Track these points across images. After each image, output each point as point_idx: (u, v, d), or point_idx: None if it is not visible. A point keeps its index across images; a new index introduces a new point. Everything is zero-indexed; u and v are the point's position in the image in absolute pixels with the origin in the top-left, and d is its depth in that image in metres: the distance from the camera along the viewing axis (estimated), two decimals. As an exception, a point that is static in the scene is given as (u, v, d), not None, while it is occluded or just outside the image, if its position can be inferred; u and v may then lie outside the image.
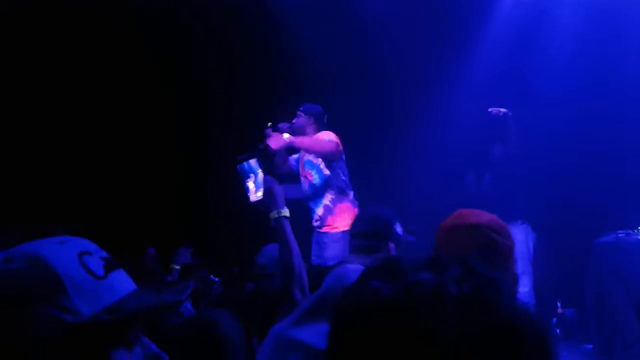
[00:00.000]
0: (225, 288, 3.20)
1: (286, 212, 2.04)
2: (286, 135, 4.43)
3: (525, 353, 0.67)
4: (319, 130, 4.64)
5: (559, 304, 4.95)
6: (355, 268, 2.05)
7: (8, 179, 5.74)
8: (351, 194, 4.50)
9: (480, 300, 0.67)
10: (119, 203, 6.16)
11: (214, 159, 6.00)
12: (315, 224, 4.48)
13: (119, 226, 5.58)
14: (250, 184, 2.16)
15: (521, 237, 5.19)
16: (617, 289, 4.01)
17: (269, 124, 4.54)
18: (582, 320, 4.54)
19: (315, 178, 4.52)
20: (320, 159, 4.52)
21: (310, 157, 4.58)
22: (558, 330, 4.82)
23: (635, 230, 4.15)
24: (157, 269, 3.84)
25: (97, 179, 6.25)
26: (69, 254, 0.99)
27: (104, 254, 1.04)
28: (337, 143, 4.45)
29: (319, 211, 4.44)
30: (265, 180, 2.13)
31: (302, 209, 6.40)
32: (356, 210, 4.38)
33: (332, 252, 4.11)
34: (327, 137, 4.48)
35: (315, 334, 1.66)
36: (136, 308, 0.98)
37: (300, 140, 4.49)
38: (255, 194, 2.14)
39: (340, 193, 4.45)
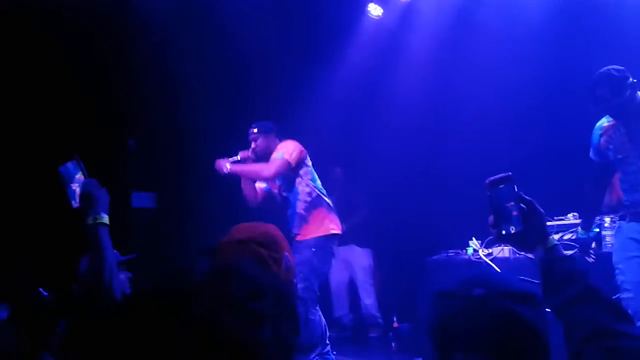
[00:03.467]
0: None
1: (104, 218, 1.91)
2: (228, 165, 4.33)
3: None
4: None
5: (394, 319, 5.25)
6: None
7: None
8: (325, 198, 4.36)
9: None
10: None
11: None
12: (294, 234, 4.30)
13: None
14: (75, 189, 2.02)
15: (365, 261, 5.98)
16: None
17: (234, 157, 4.41)
18: (415, 334, 4.84)
19: (286, 190, 4.37)
20: (290, 172, 4.32)
21: None
22: (393, 344, 5.11)
23: (464, 251, 4.51)
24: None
25: None
26: None
27: None
28: (288, 161, 4.23)
29: (296, 221, 4.29)
30: (84, 184, 1.97)
31: (152, 218, 6.24)
32: (333, 215, 4.33)
33: (299, 257, 3.92)
34: (278, 152, 4.28)
35: None
36: None
37: (241, 169, 4.37)
38: (78, 199, 1.98)
39: (312, 200, 4.30)
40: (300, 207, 4.29)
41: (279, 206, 4.47)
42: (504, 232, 1.41)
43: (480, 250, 4.35)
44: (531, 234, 1.40)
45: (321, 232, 4.26)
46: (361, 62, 6.14)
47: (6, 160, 5.56)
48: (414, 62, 5.95)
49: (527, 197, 1.42)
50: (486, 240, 4.35)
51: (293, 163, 4.26)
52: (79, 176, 2.00)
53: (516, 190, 1.41)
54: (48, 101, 5.68)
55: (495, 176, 1.42)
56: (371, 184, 5.96)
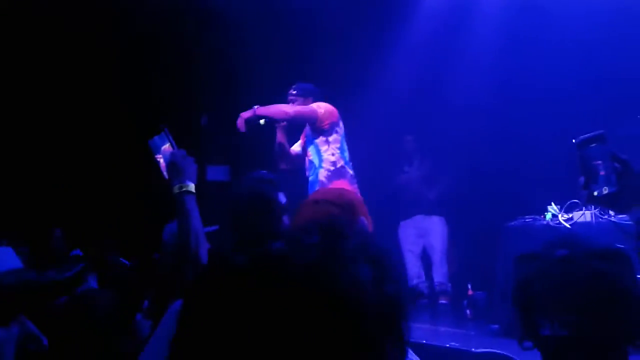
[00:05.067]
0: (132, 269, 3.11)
1: (190, 187, 1.90)
2: (255, 107, 4.10)
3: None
4: None
5: (469, 287, 5.18)
6: None
7: None
8: (349, 171, 4.21)
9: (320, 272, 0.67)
10: (23, 182, 5.82)
11: (124, 138, 5.79)
12: None
13: (25, 207, 5.33)
14: (160, 160, 2.06)
15: (442, 229, 5.89)
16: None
17: (262, 120, 4.15)
18: (491, 301, 4.76)
19: (312, 155, 4.24)
20: (319, 136, 4.20)
21: (309, 135, 4.28)
22: (468, 311, 5.05)
23: (542, 216, 4.37)
24: (64, 251, 3.69)
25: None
26: None
27: None
28: (316, 111, 4.10)
29: (316, 189, 4.08)
30: (171, 154, 1.98)
31: (226, 190, 6.38)
32: (354, 187, 4.12)
33: None
34: (312, 106, 4.16)
35: None
36: (9, 283, 0.96)
37: (266, 109, 4.10)
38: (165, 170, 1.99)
39: (336, 169, 4.16)
40: (322, 175, 4.15)
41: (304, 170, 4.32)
42: (596, 193, 1.32)
43: (559, 215, 4.20)
44: (626, 195, 1.31)
45: None
46: (433, 30, 6.02)
47: (91, 135, 5.90)
48: (486, 30, 5.82)
49: (622, 156, 1.33)
50: (566, 205, 4.19)
51: (320, 118, 4.11)
52: (166, 147, 2.05)
53: (609, 148, 1.32)
54: (130, 85, 5.97)
55: (586, 135, 1.34)
56: (446, 152, 5.87)
